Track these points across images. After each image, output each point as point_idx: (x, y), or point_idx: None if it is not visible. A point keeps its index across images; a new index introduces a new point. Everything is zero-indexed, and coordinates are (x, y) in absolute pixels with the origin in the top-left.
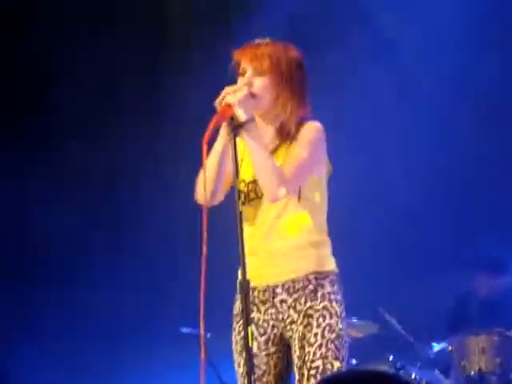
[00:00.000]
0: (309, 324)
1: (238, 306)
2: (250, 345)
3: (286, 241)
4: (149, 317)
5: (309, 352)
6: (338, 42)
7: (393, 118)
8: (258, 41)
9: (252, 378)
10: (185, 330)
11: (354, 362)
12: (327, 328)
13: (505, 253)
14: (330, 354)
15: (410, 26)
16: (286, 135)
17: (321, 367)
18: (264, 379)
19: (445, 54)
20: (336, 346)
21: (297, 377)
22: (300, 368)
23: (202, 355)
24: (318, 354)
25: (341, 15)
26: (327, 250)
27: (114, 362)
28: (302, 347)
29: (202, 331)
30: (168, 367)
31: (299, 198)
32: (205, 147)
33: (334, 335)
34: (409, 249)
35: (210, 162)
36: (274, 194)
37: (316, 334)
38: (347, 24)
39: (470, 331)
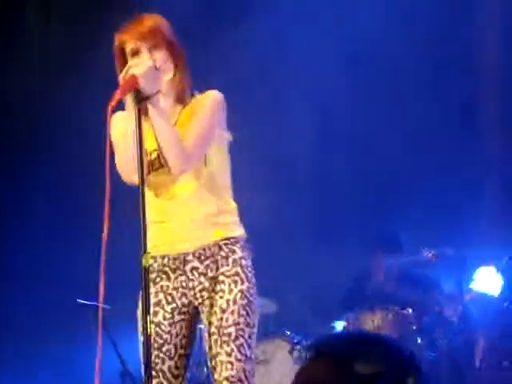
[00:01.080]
0: (221, 290)
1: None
2: (148, 332)
3: (194, 208)
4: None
5: (221, 318)
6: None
7: None
8: (136, 17)
9: (150, 370)
10: (82, 301)
11: None
12: (239, 294)
13: (397, 232)
14: (241, 320)
15: None
16: (181, 102)
17: (233, 334)
18: (163, 348)
19: None
20: (247, 312)
21: (208, 343)
22: (212, 334)
23: (100, 327)
24: (230, 321)
25: None
26: (235, 215)
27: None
28: (214, 313)
29: (100, 303)
30: (65, 340)
31: (205, 163)
32: (108, 118)
33: (245, 301)
34: (309, 222)
35: (128, 141)
36: (180, 167)
37: (228, 300)
38: None
39: (365, 308)
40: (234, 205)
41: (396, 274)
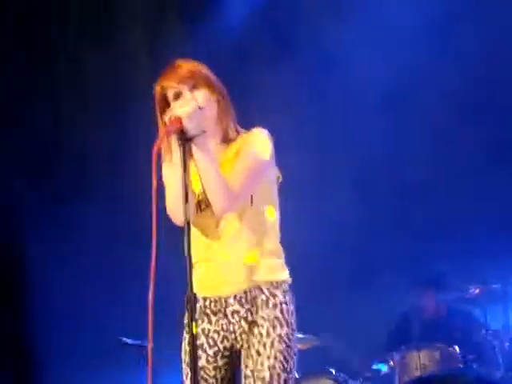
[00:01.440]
0: (259, 333)
1: (187, 316)
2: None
3: (238, 250)
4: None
5: (256, 362)
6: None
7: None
8: (172, 63)
9: None
10: (126, 340)
11: (296, 375)
12: (277, 338)
13: (443, 268)
14: (277, 365)
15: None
16: (226, 140)
17: (267, 378)
18: None
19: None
20: (285, 357)
21: None
22: (246, 377)
23: (150, 367)
24: (265, 365)
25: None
26: (280, 258)
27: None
28: (250, 356)
29: (150, 343)
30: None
31: (252, 203)
32: (154, 161)
33: (283, 346)
34: (352, 261)
35: (174, 182)
36: (223, 208)
37: (265, 344)
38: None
39: (411, 346)
40: (279, 246)
41: (444, 311)
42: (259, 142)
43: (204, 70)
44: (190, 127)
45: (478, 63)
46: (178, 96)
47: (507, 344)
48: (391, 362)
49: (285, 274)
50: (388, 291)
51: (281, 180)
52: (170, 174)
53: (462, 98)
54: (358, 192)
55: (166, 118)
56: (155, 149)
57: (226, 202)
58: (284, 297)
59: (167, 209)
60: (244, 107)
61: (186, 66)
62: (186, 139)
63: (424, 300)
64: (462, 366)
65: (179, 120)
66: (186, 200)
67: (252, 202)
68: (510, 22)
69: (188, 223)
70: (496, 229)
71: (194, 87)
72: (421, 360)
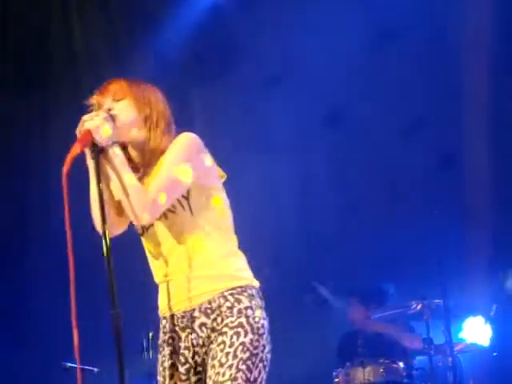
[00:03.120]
0: (222, 342)
1: (160, 336)
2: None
3: (193, 262)
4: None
5: (218, 373)
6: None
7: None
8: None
9: None
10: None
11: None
12: (240, 347)
13: (380, 284)
14: (239, 375)
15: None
16: (158, 157)
17: None
18: None
19: None
20: (248, 367)
21: None
22: None
23: None
24: (227, 375)
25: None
26: (240, 261)
27: None
28: (212, 367)
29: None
30: None
31: (192, 213)
32: (64, 177)
33: (246, 354)
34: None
35: (93, 197)
36: (142, 218)
37: (228, 354)
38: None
39: (356, 363)
40: (235, 249)
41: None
42: (179, 147)
43: (134, 84)
44: (100, 139)
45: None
46: (101, 107)
47: (450, 359)
48: (336, 379)
49: (248, 278)
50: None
51: (224, 178)
52: (91, 187)
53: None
54: (303, 206)
55: (77, 132)
56: (65, 168)
57: (142, 213)
58: (249, 301)
59: (94, 223)
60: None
61: (114, 81)
62: (98, 151)
63: (350, 310)
64: (406, 381)
65: (89, 132)
66: (103, 215)
67: (192, 212)
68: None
69: (105, 237)
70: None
71: (115, 100)
72: (365, 376)
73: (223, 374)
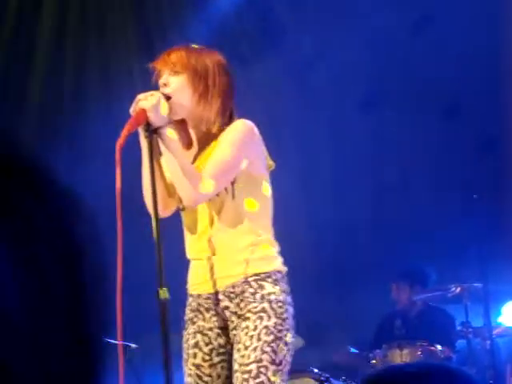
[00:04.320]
0: (246, 327)
1: (187, 313)
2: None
3: (223, 245)
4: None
5: (243, 355)
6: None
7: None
8: (172, 48)
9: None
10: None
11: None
12: (264, 330)
13: (425, 266)
14: (264, 357)
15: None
16: (212, 137)
17: (254, 371)
18: None
19: None
20: (273, 349)
21: (234, 381)
22: (235, 372)
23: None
24: (252, 357)
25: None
26: (269, 249)
27: None
28: (238, 350)
29: (119, 341)
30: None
31: (233, 196)
32: (118, 152)
33: (271, 337)
34: (337, 261)
35: (146, 178)
36: (190, 200)
37: (252, 337)
38: None
39: (393, 345)
40: (268, 237)
41: (424, 309)
42: (235, 134)
43: (193, 57)
44: (155, 119)
45: None
46: (161, 78)
47: (488, 342)
48: (373, 361)
49: (275, 264)
50: (374, 290)
51: (273, 168)
52: (143, 166)
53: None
54: (337, 194)
55: (131, 110)
56: (119, 142)
57: (192, 196)
58: (273, 287)
59: (146, 204)
60: None
61: (175, 51)
62: (152, 131)
63: (395, 292)
64: (445, 363)
65: (144, 112)
66: (154, 193)
67: (233, 196)
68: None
69: (156, 218)
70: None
71: (173, 72)
72: (403, 358)
73: (248, 357)
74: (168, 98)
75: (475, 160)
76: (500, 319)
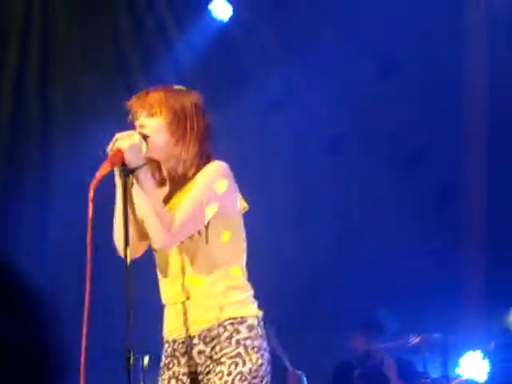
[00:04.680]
0: (220, 372)
1: (162, 359)
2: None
3: (199, 289)
4: None
5: None
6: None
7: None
8: (150, 88)
9: None
10: None
11: None
12: (238, 376)
13: (384, 316)
14: None
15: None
16: (187, 178)
17: None
18: None
19: None
20: None
21: None
22: None
23: None
24: None
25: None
26: (245, 293)
27: None
28: None
29: None
30: None
31: (206, 241)
32: (91, 194)
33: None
34: (294, 305)
35: (118, 218)
36: (160, 245)
37: (225, 382)
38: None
39: None
40: (242, 281)
41: (381, 359)
42: (207, 178)
43: (172, 100)
44: (132, 159)
45: None
46: (137, 120)
47: None
48: None
49: (250, 308)
50: (333, 336)
51: (246, 209)
52: (116, 206)
53: None
54: (300, 238)
55: (108, 149)
56: (94, 182)
57: (163, 239)
58: (249, 332)
59: (116, 245)
60: None
61: (152, 92)
62: (127, 171)
63: (353, 342)
64: None
65: (121, 152)
66: (126, 235)
67: (207, 240)
68: None
69: (126, 258)
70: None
71: (150, 114)
72: None
73: None
74: (145, 138)
75: (436, 209)
76: (458, 370)
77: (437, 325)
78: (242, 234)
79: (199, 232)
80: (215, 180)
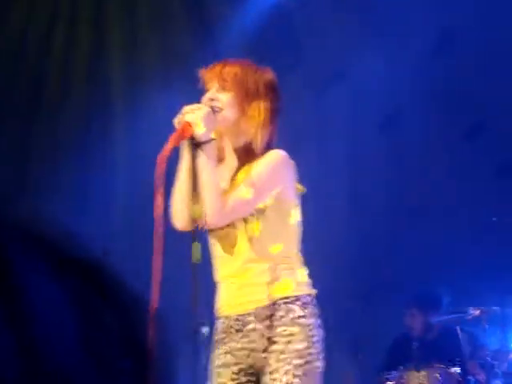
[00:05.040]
0: (277, 350)
1: (215, 334)
2: None
3: (253, 270)
4: None
5: (274, 379)
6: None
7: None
8: (227, 60)
9: None
10: None
11: None
12: (294, 354)
13: (438, 291)
14: (295, 380)
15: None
16: (250, 156)
17: None
18: None
19: None
20: (304, 373)
21: None
22: None
23: None
24: (283, 381)
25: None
26: (299, 273)
27: None
28: (269, 373)
29: None
30: None
31: (264, 224)
32: (161, 166)
33: (301, 361)
34: (353, 279)
35: (179, 186)
36: (211, 217)
37: (282, 360)
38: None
39: (410, 366)
40: (297, 261)
41: (440, 332)
42: (268, 164)
43: (246, 76)
44: (200, 134)
45: None
46: (208, 91)
47: (506, 365)
48: (389, 382)
49: (304, 288)
50: (390, 310)
51: (303, 192)
52: (178, 177)
53: None
54: (355, 214)
55: (175, 122)
56: (163, 154)
57: (214, 216)
58: (303, 310)
59: (173, 217)
60: None
61: (229, 66)
62: (195, 145)
63: (409, 319)
64: None
65: (189, 125)
66: (198, 209)
67: (261, 222)
68: None
69: (194, 237)
70: (494, 251)
71: (222, 88)
72: (420, 380)
73: (280, 380)
74: (215, 111)
75: (497, 181)
76: None
77: (496, 299)
78: (299, 217)
79: (257, 216)
80: (276, 168)
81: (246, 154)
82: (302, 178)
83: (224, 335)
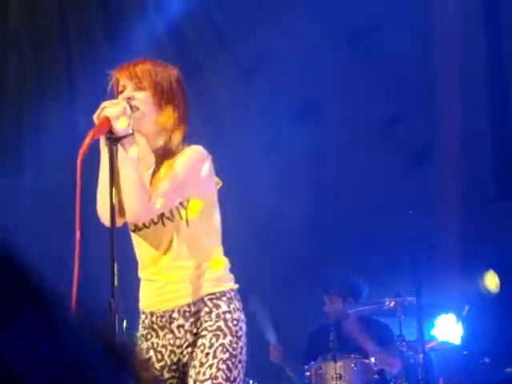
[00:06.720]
0: (202, 344)
1: (140, 330)
2: None
3: (181, 266)
4: None
5: (199, 372)
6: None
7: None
8: (136, 59)
9: None
10: None
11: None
12: (220, 348)
13: (358, 279)
14: (220, 374)
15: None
16: (169, 153)
17: None
18: None
19: None
20: (228, 367)
21: None
22: None
23: None
24: (207, 374)
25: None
26: (223, 269)
27: None
28: (193, 367)
29: None
30: None
31: (187, 223)
32: (79, 161)
33: (226, 355)
34: (273, 268)
35: (102, 186)
36: (134, 216)
37: (207, 354)
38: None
39: (328, 357)
40: (220, 256)
41: (357, 322)
42: (187, 160)
43: (160, 74)
44: (119, 128)
45: None
46: (123, 90)
47: (421, 356)
48: (308, 373)
49: (228, 283)
50: (307, 300)
51: (220, 185)
52: (100, 173)
53: None
54: (274, 200)
55: (94, 117)
56: (82, 149)
57: (138, 209)
58: (228, 306)
59: (98, 213)
60: None
61: (141, 64)
62: (114, 140)
63: (328, 305)
64: (377, 377)
65: (108, 120)
66: (112, 203)
67: (187, 222)
68: None
69: (113, 226)
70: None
71: (138, 87)
72: (337, 370)
73: (204, 373)
74: (133, 109)
75: (411, 172)
76: (433, 332)
77: (411, 288)
78: (218, 212)
79: (181, 216)
80: (197, 163)
81: (165, 151)
82: (220, 171)
83: (146, 331)
